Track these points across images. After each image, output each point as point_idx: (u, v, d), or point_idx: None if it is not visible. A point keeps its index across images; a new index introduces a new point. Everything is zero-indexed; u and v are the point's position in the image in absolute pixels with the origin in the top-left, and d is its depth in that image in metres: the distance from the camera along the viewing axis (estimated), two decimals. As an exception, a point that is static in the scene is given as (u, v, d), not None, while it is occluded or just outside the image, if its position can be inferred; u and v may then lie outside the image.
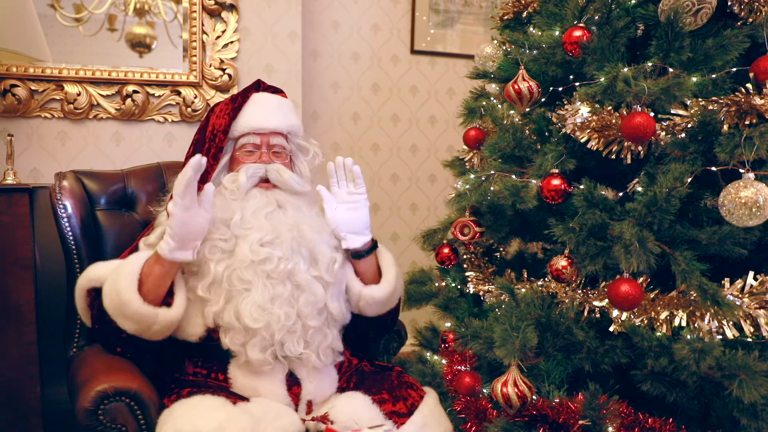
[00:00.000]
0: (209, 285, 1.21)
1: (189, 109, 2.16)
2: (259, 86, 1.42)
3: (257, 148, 1.33)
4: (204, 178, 1.29)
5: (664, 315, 1.19)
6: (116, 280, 1.16)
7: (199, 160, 1.11)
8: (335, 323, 1.29)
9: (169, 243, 1.14)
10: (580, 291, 1.32)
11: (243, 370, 1.23)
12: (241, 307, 1.17)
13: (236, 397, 1.17)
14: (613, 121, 1.22)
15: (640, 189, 1.20)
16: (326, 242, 1.30)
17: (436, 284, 1.81)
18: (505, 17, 1.70)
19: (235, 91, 2.22)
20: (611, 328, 1.25)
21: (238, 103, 1.35)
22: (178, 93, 2.15)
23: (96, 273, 1.24)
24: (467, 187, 1.52)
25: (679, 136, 1.19)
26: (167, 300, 1.20)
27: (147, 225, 1.47)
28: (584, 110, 1.27)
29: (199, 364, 1.27)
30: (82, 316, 1.32)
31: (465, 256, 1.73)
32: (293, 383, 1.24)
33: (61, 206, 1.40)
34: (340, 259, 1.31)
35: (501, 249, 1.79)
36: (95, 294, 1.23)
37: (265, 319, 1.17)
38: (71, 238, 1.41)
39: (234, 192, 1.27)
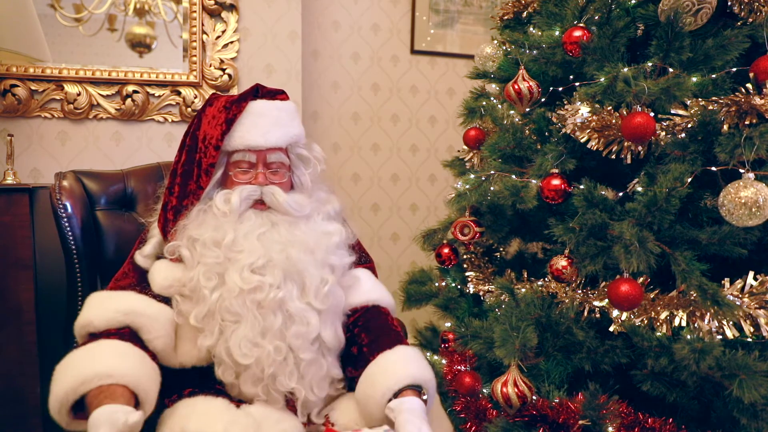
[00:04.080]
0: (204, 316, 1.13)
1: (189, 109, 2.16)
2: (257, 92, 1.27)
3: (252, 166, 1.22)
4: (196, 195, 1.22)
5: (664, 315, 1.19)
6: (53, 390, 0.99)
7: None
8: (330, 351, 1.19)
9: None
10: (580, 291, 1.32)
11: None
12: (231, 343, 1.10)
13: (236, 400, 1.17)
14: (613, 121, 1.22)
15: (640, 189, 1.20)
16: (318, 262, 1.18)
17: (436, 284, 1.81)
18: (505, 17, 1.70)
19: (235, 91, 2.22)
20: (611, 328, 1.25)
21: (232, 113, 1.21)
22: (178, 93, 2.15)
23: (87, 318, 1.12)
24: (467, 187, 1.52)
25: (679, 136, 1.19)
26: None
27: (143, 229, 1.36)
28: (584, 110, 1.27)
29: (195, 385, 1.20)
30: None
31: (465, 256, 1.73)
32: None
33: (61, 206, 1.40)
34: (332, 281, 1.19)
35: (501, 249, 1.79)
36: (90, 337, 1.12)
37: (254, 354, 1.10)
38: (71, 238, 1.40)
39: (226, 215, 1.18)
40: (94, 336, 1.10)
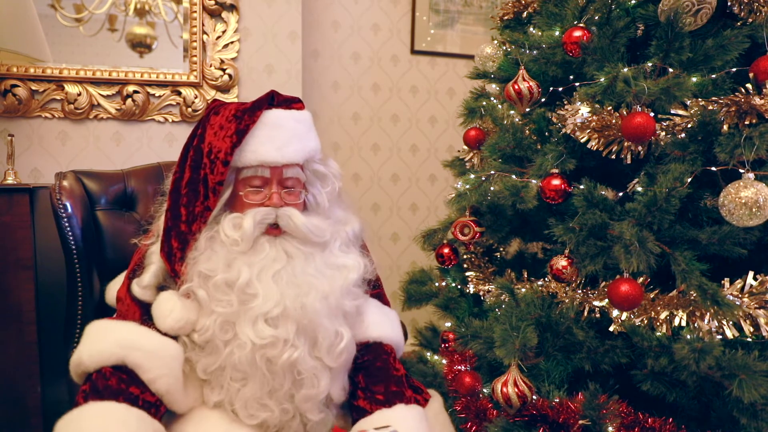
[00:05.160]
0: (214, 370, 1.05)
1: (189, 109, 2.16)
2: (272, 100, 1.13)
3: (266, 183, 1.09)
4: (203, 218, 1.09)
5: (664, 315, 1.19)
6: None
7: None
8: (336, 405, 1.14)
9: None
10: (580, 291, 1.32)
11: None
12: (238, 405, 1.04)
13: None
14: (613, 121, 1.22)
15: (640, 189, 1.20)
16: (332, 309, 1.08)
17: (436, 284, 1.81)
18: (505, 17, 1.70)
19: (235, 91, 2.22)
20: (611, 328, 1.25)
21: (244, 124, 1.07)
22: (179, 93, 2.15)
23: (79, 358, 1.02)
24: (467, 187, 1.52)
25: (679, 136, 1.19)
26: None
27: (137, 248, 1.25)
28: (584, 110, 1.27)
29: None
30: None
31: (465, 256, 1.73)
32: None
33: (61, 206, 1.40)
34: (347, 337, 1.08)
35: (501, 249, 1.79)
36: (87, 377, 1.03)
37: (261, 416, 1.04)
38: (71, 238, 1.41)
39: (237, 243, 1.06)
40: (89, 377, 1.00)
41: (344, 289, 1.11)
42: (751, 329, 1.11)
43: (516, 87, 1.44)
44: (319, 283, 1.08)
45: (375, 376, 1.15)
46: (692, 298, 1.16)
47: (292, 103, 1.16)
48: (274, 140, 1.08)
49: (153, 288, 1.10)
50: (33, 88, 1.99)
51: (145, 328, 1.05)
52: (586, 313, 1.30)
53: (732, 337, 1.12)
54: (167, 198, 1.13)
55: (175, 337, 1.07)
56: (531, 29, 1.52)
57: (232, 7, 2.19)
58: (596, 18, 1.32)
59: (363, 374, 1.15)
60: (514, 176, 1.41)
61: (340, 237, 1.17)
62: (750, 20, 1.21)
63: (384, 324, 1.24)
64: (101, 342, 1.01)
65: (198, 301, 1.06)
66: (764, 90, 1.11)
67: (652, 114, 1.17)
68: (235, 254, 1.06)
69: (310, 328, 1.05)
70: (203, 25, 2.16)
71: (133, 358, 0.99)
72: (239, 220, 1.07)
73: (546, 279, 1.41)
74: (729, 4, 1.24)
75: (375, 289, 1.31)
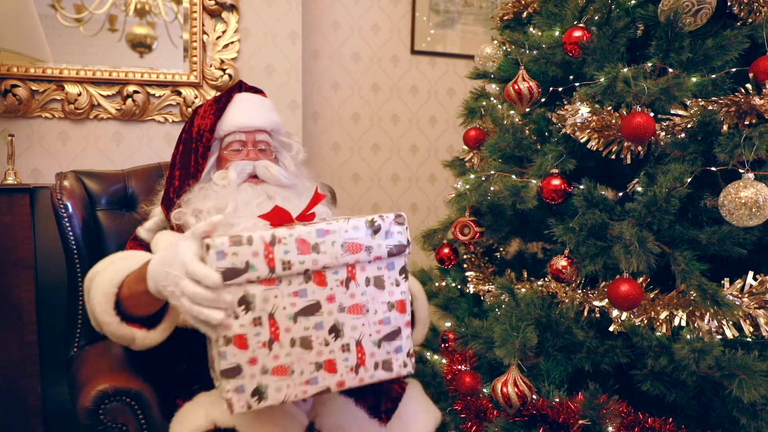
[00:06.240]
0: None
1: (189, 110, 2.16)
2: (240, 87, 1.46)
3: (243, 145, 1.37)
4: (195, 177, 1.33)
5: (663, 315, 1.19)
6: (92, 297, 1.06)
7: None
8: None
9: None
10: (580, 291, 1.32)
11: None
12: None
13: None
14: (613, 121, 1.22)
15: (640, 189, 1.20)
16: None
17: (436, 284, 1.81)
18: (505, 17, 1.70)
19: (235, 91, 2.23)
20: (611, 328, 1.26)
21: (222, 103, 1.39)
22: (179, 93, 2.15)
23: (95, 268, 1.14)
24: (467, 187, 1.52)
25: (679, 136, 1.19)
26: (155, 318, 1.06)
27: (143, 220, 1.42)
28: (584, 110, 1.27)
29: (196, 358, 1.19)
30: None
31: (465, 256, 1.73)
32: None
33: (61, 206, 1.41)
34: None
35: (501, 249, 1.79)
36: None
37: None
38: (72, 238, 1.41)
39: (225, 187, 1.30)
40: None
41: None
42: (751, 329, 1.11)
43: (516, 87, 1.44)
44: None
45: None
46: (692, 298, 1.16)
47: (257, 91, 1.49)
48: (245, 111, 1.39)
49: (154, 232, 1.33)
50: (33, 88, 1.99)
51: (148, 253, 1.25)
52: (586, 313, 1.30)
53: (732, 337, 1.12)
54: (167, 171, 1.40)
55: None
56: (531, 29, 1.52)
57: (232, 7, 2.19)
58: (596, 18, 1.32)
59: None
60: (514, 176, 1.41)
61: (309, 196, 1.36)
62: (750, 20, 1.21)
63: None
64: (115, 257, 1.19)
65: (186, 226, 1.26)
66: (764, 90, 1.11)
67: (652, 114, 1.17)
68: (224, 194, 1.28)
69: None
70: (203, 25, 2.16)
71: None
72: (225, 172, 1.33)
73: (546, 279, 1.41)
74: (729, 4, 1.24)
75: None
